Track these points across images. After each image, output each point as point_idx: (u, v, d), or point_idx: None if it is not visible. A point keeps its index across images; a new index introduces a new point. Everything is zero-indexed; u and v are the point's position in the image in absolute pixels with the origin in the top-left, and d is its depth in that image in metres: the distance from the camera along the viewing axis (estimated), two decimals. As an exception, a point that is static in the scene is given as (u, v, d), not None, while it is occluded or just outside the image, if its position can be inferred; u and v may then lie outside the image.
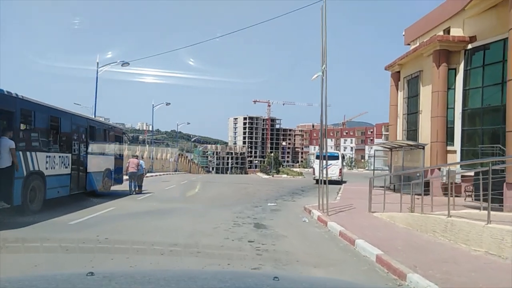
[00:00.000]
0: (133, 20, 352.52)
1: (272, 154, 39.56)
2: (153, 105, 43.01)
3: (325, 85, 11.57)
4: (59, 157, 12.16)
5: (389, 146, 22.83)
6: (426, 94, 19.89)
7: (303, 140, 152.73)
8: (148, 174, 38.08)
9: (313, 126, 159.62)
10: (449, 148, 18.91)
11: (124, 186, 17.72)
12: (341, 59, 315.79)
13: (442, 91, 18.68)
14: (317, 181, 28.43)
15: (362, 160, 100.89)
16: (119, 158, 17.90)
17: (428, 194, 18.26)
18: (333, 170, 28.34)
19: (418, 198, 16.23)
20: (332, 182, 28.16)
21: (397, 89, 23.87)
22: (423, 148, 19.12)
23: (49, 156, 11.53)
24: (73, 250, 6.45)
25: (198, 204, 13.95)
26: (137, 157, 19.06)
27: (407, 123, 22.53)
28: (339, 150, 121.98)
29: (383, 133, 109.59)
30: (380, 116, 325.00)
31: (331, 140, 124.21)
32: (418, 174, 19.28)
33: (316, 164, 28.70)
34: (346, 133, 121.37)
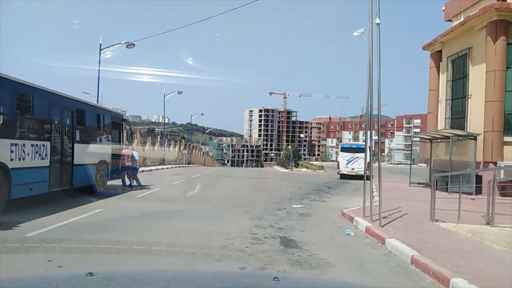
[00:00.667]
0: (133, 20, 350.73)
1: (290, 147, 36.54)
2: (164, 93, 40.23)
3: (377, 48, 8.55)
4: (32, 145, 9.55)
5: (429, 137, 19.68)
6: (477, 75, 16.71)
7: (320, 132, 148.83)
8: (159, 167, 35.79)
9: (330, 118, 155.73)
10: (506, 139, 15.78)
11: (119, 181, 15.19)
12: (357, 47, 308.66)
13: (499, 70, 15.52)
14: (341, 175, 25.60)
15: (383, 154, 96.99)
16: (118, 149, 15.29)
17: (479, 194, 15.36)
18: (361, 164, 25.27)
19: (473, 199, 13.34)
20: (358, 177, 25.20)
21: (438, 71, 20.63)
22: (475, 139, 16.00)
23: (16, 144, 8.91)
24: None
25: (208, 205, 11.21)
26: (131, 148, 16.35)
27: (451, 110, 19.31)
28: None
29: (404, 125, 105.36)
30: (399, 109, 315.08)
31: (349, 133, 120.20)
32: (468, 170, 16.27)
33: (341, 157, 25.67)
34: (365, 125, 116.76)
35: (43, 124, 10.22)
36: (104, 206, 10.17)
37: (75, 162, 11.60)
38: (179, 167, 39.25)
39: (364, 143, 28.58)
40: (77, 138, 11.93)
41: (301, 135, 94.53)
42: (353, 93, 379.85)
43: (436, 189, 18.49)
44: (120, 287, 1.57)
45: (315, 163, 49.10)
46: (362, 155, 25.54)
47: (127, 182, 15.15)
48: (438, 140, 19.70)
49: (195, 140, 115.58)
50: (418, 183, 20.16)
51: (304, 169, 33.51)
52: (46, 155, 10.09)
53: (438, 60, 20.60)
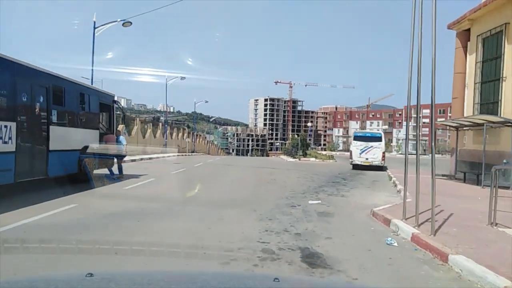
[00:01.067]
0: (132, 20, 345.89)
1: (298, 136, 34.46)
2: (166, 78, 38.03)
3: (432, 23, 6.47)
4: (-10, 126, 7.71)
5: (455, 124, 17.62)
6: (515, 54, 14.65)
7: (326, 122, 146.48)
8: (160, 155, 34.05)
9: (336, 108, 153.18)
10: (548, 126, 13.74)
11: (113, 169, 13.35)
12: (366, 36, 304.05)
13: (544, 47, 13.41)
14: (354, 166, 23.60)
15: (391, 144, 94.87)
16: (107, 134, 13.43)
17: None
18: (375, 153, 23.32)
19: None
20: (373, 167, 23.21)
21: (466, 52, 18.49)
22: (512, 126, 13.99)
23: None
24: None
25: (207, 200, 9.33)
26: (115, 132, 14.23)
27: (481, 95, 17.22)
28: (348, 135, 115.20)
29: (413, 115, 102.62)
30: (405, 100, 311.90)
31: (356, 122, 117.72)
32: (505, 161, 14.30)
33: (354, 146, 23.67)
34: (373, 115, 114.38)
35: (5, 100, 8.34)
36: (80, 201, 8.33)
37: (50, 148, 9.75)
38: (182, 155, 37.48)
39: (378, 132, 26.16)
40: (54, 119, 10.06)
41: (308, 124, 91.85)
42: (360, 83, 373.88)
43: (465, 181, 16.70)
44: (120, 287, 1.58)
45: (323, 152, 46.86)
46: (376, 144, 23.55)
47: (115, 171, 13.26)
48: (465, 128, 17.69)
49: (200, 129, 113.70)
50: (443, 175, 18.19)
51: (313, 159, 31.55)
52: (10, 138, 8.23)
53: (466, 39, 18.44)
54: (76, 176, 11.34)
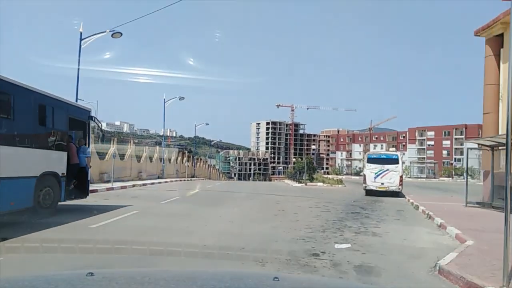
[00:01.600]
0: (131, 20, 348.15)
1: (304, 158, 31.74)
2: (164, 99, 35.67)
3: None
4: None
5: (492, 143, 15.07)
6: None
7: (328, 146, 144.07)
8: (156, 181, 31.47)
9: (338, 131, 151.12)
10: None
11: (93, 199, 10.81)
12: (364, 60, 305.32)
13: None
14: (367, 191, 20.88)
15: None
16: (79, 156, 10.91)
17: None
18: (392, 177, 20.67)
19: None
20: (389, 193, 20.53)
21: (498, 61, 16.16)
22: None
23: None
24: None
25: (194, 248, 6.66)
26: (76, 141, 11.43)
27: (521, 108, 14.69)
28: (352, 158, 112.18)
29: (417, 138, 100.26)
30: (408, 122, 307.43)
31: (359, 145, 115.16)
32: None
33: (368, 169, 21.03)
34: (376, 138, 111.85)
35: None
36: (9, 251, 5.71)
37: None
38: (180, 180, 34.92)
39: (394, 153, 23.61)
40: (-6, 136, 7.58)
41: (313, 147, 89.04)
42: (360, 106, 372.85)
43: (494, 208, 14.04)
44: (120, 287, 1.56)
45: (329, 176, 43.93)
46: (393, 166, 20.91)
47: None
48: (501, 148, 15.14)
49: (201, 153, 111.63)
50: (477, 203, 15.52)
51: (320, 184, 28.90)
52: None
53: (498, 46, 16.16)
54: (34, 210, 8.81)
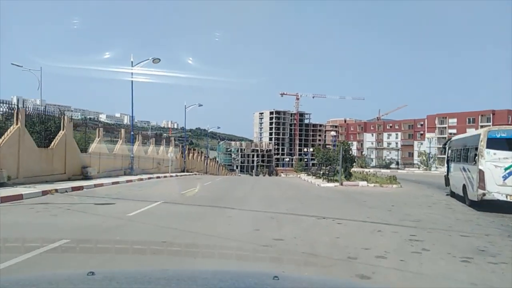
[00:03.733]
0: (133, 20, 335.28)
1: (342, 144, 20.99)
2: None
3: None
4: None
5: None
6: None
7: (338, 135, 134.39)
8: (134, 177, 21.83)
9: (345, 121, 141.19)
10: None
11: None
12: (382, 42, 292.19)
13: None
14: (481, 202, 9.71)
15: (416, 158, 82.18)
16: None
17: None
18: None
19: None
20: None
21: None
22: None
23: None
24: None
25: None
26: None
27: None
28: (382, 146, 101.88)
29: (437, 126, 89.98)
30: (423, 110, 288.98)
31: (372, 135, 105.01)
32: None
33: (489, 161, 10.87)
34: (390, 126, 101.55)
35: None
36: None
37: None
38: (165, 177, 25.27)
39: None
40: None
41: (332, 133, 77.43)
42: (368, 95, 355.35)
43: None
44: (121, 286, 1.54)
45: (361, 170, 33.06)
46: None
47: None
48: None
49: (203, 145, 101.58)
50: None
51: (363, 183, 19.00)
52: None
53: None
54: None
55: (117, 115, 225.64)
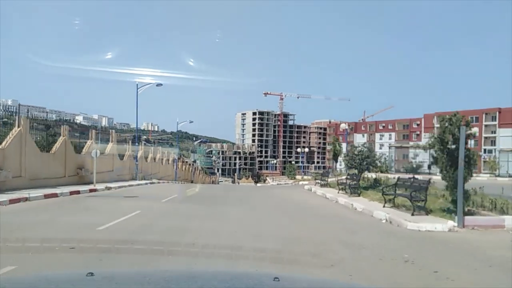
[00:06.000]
0: (133, 20, 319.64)
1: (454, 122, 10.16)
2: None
3: None
4: None
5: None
6: None
7: (325, 137, 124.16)
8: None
9: (329, 122, 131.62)
10: None
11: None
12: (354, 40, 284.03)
13: None
14: None
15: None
16: None
17: None
18: None
19: None
20: None
21: None
22: None
23: None
24: None
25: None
26: None
27: None
28: (375, 148, 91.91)
29: (435, 125, 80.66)
30: (409, 111, 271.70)
31: (363, 135, 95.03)
32: None
33: None
34: (383, 126, 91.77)
35: None
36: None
37: None
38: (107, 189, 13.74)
39: None
40: None
41: (343, 125, 65.22)
42: (353, 96, 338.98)
43: None
44: (120, 287, 1.50)
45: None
46: None
47: None
48: None
49: (184, 147, 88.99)
50: None
51: None
52: None
53: None
54: None
55: (95, 116, 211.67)
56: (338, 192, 14.99)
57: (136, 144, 26.19)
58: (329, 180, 19.82)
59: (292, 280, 1.98)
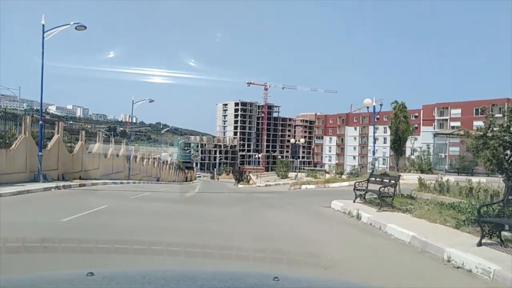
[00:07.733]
0: (133, 20, 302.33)
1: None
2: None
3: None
4: None
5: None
6: None
7: (311, 130, 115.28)
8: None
9: (315, 115, 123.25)
10: None
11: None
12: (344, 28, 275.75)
13: None
14: None
15: (410, 156, 63.84)
16: None
17: None
18: None
19: None
20: None
21: None
22: None
23: None
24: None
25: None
26: None
27: None
28: (368, 142, 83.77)
29: (436, 118, 72.78)
30: (415, 101, 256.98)
31: (355, 128, 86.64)
32: None
33: None
34: (377, 119, 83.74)
35: None
36: None
37: None
38: None
39: None
40: None
41: (366, 100, 56.88)
42: (340, 88, 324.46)
43: None
44: (120, 286, 1.48)
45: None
46: None
47: None
48: None
49: (163, 140, 78.76)
50: None
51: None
52: None
53: None
54: None
55: (69, 107, 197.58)
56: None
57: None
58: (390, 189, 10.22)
59: (292, 280, 1.96)
